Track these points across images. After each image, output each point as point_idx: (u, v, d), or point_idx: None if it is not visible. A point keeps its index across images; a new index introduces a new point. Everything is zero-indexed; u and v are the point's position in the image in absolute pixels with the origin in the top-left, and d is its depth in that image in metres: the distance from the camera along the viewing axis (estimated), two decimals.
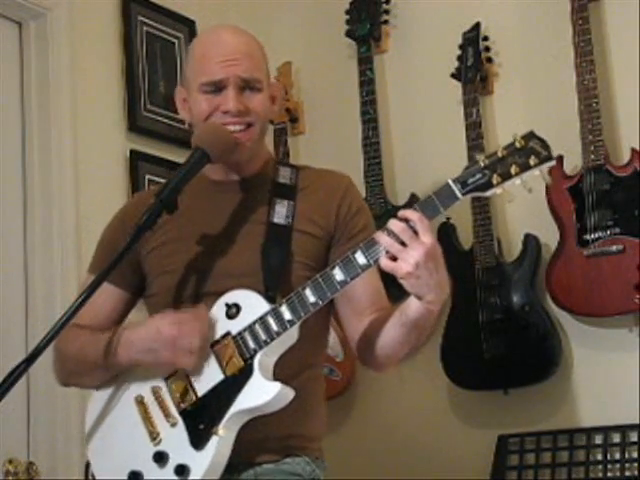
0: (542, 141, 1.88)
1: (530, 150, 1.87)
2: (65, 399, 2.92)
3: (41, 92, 3.20)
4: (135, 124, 3.45)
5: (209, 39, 2.15)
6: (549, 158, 1.88)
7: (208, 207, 2.12)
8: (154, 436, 2.01)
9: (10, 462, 2.79)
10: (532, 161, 1.87)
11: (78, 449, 2.91)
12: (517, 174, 1.87)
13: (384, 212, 3.54)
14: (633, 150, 3.24)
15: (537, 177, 1.90)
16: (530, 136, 1.89)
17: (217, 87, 2.07)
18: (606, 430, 3.19)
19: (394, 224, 1.87)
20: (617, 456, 3.15)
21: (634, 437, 3.14)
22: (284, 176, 2.18)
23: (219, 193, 2.15)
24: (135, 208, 2.21)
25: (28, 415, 3.04)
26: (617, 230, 3.19)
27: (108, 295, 2.06)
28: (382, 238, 1.87)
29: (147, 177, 3.38)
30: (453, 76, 3.53)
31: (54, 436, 3.02)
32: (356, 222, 2.14)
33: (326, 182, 2.20)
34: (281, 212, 2.11)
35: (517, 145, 1.88)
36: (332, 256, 2.11)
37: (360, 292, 2.04)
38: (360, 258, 1.90)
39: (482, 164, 1.88)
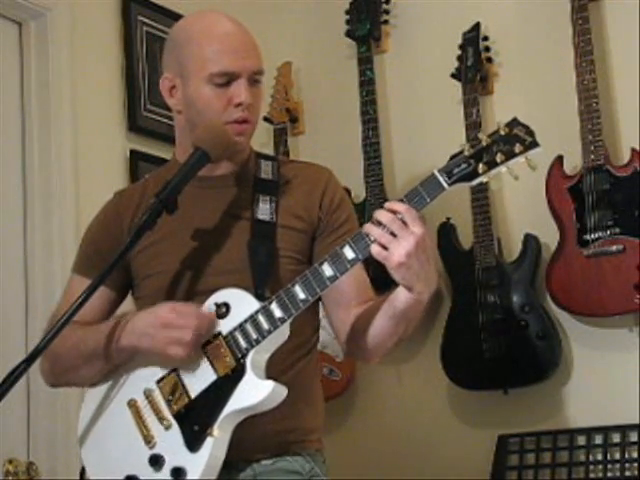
0: (526, 128, 1.87)
1: (515, 137, 1.86)
2: (65, 399, 2.91)
3: (41, 92, 3.19)
4: (135, 124, 3.45)
5: (211, 27, 2.11)
6: (534, 144, 1.86)
7: (193, 205, 2.11)
8: (148, 439, 2.01)
9: (10, 462, 2.79)
10: (517, 149, 1.86)
11: (78, 449, 2.91)
12: (503, 162, 1.86)
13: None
14: (633, 150, 3.25)
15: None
16: (514, 123, 1.88)
17: (228, 78, 2.07)
18: (606, 430, 3.20)
19: (382, 214, 1.86)
20: (617, 456, 3.15)
21: (634, 437, 3.14)
22: (266, 171, 2.18)
23: (203, 189, 2.14)
24: (116, 209, 2.21)
25: (28, 415, 3.04)
26: (617, 230, 3.19)
27: (95, 295, 2.01)
28: (371, 229, 1.86)
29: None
30: (453, 76, 3.53)
31: (54, 436, 3.02)
32: (339, 215, 2.15)
33: (307, 176, 2.19)
34: (265, 208, 2.11)
35: (501, 132, 1.87)
36: (316, 249, 2.13)
37: (346, 284, 2.03)
38: (348, 252, 1.90)
39: (467, 153, 1.87)
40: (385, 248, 1.85)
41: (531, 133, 1.87)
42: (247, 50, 2.09)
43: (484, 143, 1.87)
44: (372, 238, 1.87)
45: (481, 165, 1.86)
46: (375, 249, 1.86)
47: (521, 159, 1.87)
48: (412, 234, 1.84)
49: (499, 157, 1.86)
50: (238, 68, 2.07)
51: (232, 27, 2.12)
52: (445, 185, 1.86)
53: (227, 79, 2.07)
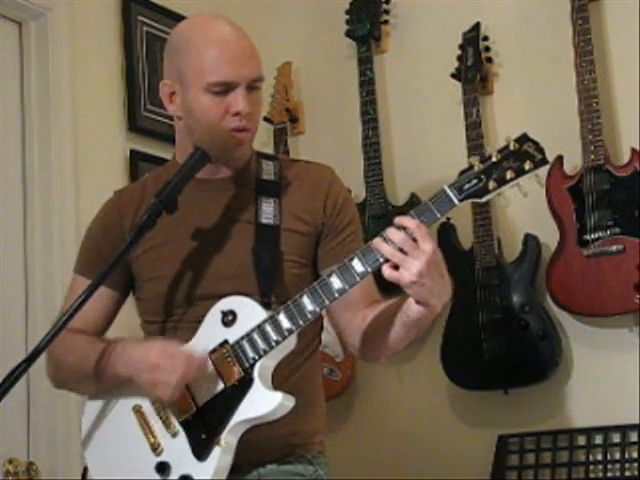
0: (536, 144, 1.88)
1: (524, 153, 1.87)
2: (65, 399, 2.91)
3: (41, 92, 3.19)
4: (135, 124, 3.45)
5: (209, 34, 2.10)
6: (544, 162, 1.87)
7: (195, 208, 2.11)
8: (155, 446, 2.01)
9: (10, 462, 2.80)
10: (527, 165, 1.86)
11: (78, 449, 2.89)
12: (512, 179, 1.87)
13: (384, 212, 3.54)
14: (633, 150, 3.24)
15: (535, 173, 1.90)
16: (524, 139, 1.88)
17: (226, 87, 2.06)
18: (606, 430, 3.19)
19: (393, 233, 1.86)
20: (617, 456, 3.15)
21: (634, 437, 3.14)
22: (267, 172, 2.18)
23: (205, 192, 2.13)
24: (117, 208, 2.21)
25: (28, 415, 3.04)
26: (617, 230, 3.19)
27: (98, 295, 2.02)
28: (383, 247, 1.86)
29: None
30: (453, 76, 3.53)
31: (54, 436, 3.01)
32: (343, 217, 2.15)
33: (310, 176, 2.19)
34: (268, 211, 2.11)
35: (511, 148, 1.87)
36: (321, 250, 2.13)
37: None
38: (357, 266, 1.90)
39: (477, 169, 1.87)
40: (396, 267, 1.85)
41: (541, 150, 1.87)
42: (245, 58, 2.07)
43: (494, 159, 1.87)
44: (383, 257, 1.87)
45: (491, 182, 1.87)
46: (387, 272, 1.86)
47: (530, 175, 1.87)
48: (423, 252, 1.84)
49: (509, 174, 1.87)
50: (236, 77, 2.05)
51: (231, 33, 2.10)
52: (455, 201, 1.87)
53: (225, 88, 2.06)
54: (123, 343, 2.07)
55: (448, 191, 1.87)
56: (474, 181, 1.87)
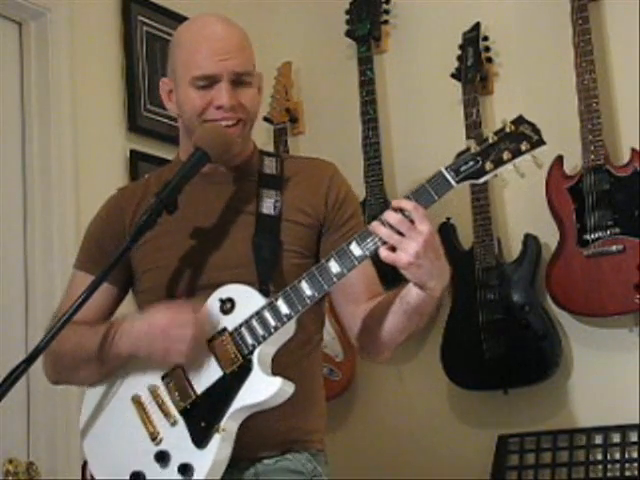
0: (532, 125, 1.88)
1: (521, 135, 1.87)
2: (65, 399, 2.91)
3: (41, 92, 3.19)
4: (135, 124, 3.45)
5: (200, 31, 2.12)
6: (540, 142, 1.87)
7: (197, 200, 2.12)
8: (154, 436, 2.00)
9: (10, 462, 2.79)
10: (524, 146, 1.87)
11: (78, 449, 2.89)
12: (509, 160, 1.87)
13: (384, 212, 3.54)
14: (633, 150, 3.25)
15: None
16: (520, 120, 1.89)
17: (210, 81, 2.07)
18: (606, 430, 3.20)
19: (390, 215, 1.86)
20: (617, 456, 3.15)
21: (634, 437, 3.14)
22: (269, 166, 2.19)
23: (207, 185, 2.14)
24: (119, 205, 2.21)
25: (28, 415, 3.04)
26: (617, 230, 3.19)
27: (98, 291, 2.00)
28: (380, 230, 1.87)
29: None
30: (453, 76, 3.54)
31: (54, 436, 3.01)
32: (344, 210, 2.15)
33: (312, 171, 2.20)
34: (269, 203, 2.11)
35: (508, 130, 1.88)
36: (323, 245, 2.13)
37: (354, 279, 2.03)
38: (355, 250, 1.90)
39: (474, 151, 1.87)
40: (393, 249, 1.85)
41: (537, 131, 1.88)
42: (229, 52, 2.07)
43: (491, 140, 1.87)
44: (380, 239, 1.87)
45: (488, 163, 1.87)
46: (383, 253, 1.86)
47: (528, 157, 1.87)
48: (420, 233, 1.84)
49: (506, 155, 1.87)
50: (218, 70, 2.06)
51: (220, 30, 2.11)
52: (453, 182, 1.87)
53: (209, 82, 2.07)
54: (124, 321, 2.05)
55: (445, 173, 1.87)
56: (471, 162, 1.87)
